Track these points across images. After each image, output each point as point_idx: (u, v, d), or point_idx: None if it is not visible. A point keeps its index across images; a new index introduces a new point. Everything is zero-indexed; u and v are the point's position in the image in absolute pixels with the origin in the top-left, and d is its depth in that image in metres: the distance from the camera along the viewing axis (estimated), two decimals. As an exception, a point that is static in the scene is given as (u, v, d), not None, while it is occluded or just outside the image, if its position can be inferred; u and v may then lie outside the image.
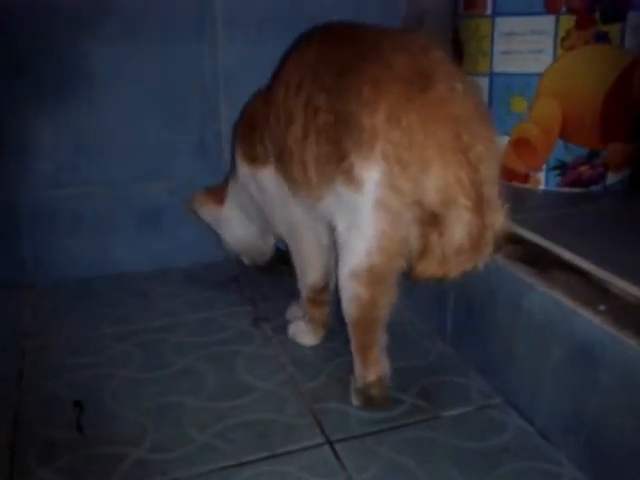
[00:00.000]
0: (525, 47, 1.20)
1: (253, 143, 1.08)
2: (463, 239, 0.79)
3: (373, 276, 0.87)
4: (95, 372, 1.06)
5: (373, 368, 0.94)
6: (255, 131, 1.08)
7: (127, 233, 1.42)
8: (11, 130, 1.29)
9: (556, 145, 1.24)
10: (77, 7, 1.26)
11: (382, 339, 0.94)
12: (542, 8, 1.17)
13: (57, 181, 1.34)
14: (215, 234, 1.35)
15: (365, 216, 0.84)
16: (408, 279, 0.88)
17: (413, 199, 0.81)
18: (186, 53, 1.34)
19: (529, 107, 1.23)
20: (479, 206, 0.79)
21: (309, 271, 1.10)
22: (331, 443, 0.89)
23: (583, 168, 1.25)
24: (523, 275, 0.92)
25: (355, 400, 0.96)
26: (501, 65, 1.24)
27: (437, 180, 0.79)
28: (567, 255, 0.94)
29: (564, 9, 1.16)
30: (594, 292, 0.85)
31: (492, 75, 1.26)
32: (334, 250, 0.97)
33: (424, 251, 0.82)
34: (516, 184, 1.28)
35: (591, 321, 0.80)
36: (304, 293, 1.12)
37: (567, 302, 0.84)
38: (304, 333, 1.14)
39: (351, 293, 0.90)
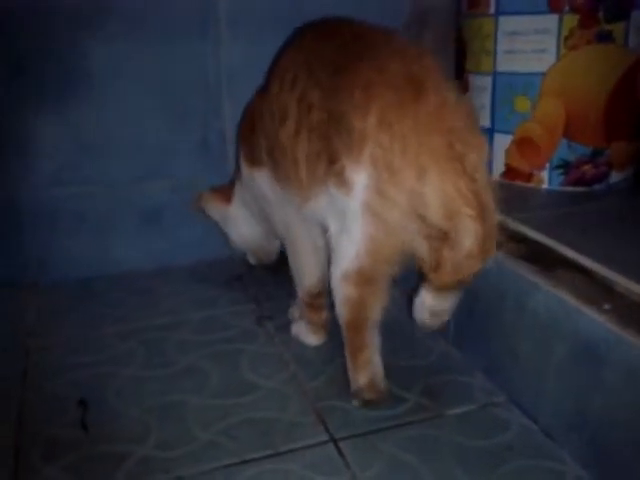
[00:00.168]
0: (528, 46, 1.20)
1: (253, 145, 1.08)
2: (472, 245, 0.79)
3: (362, 277, 0.87)
4: (98, 371, 1.06)
5: (364, 371, 0.94)
6: (254, 132, 1.07)
7: (128, 232, 1.42)
8: (12, 130, 1.29)
9: (559, 144, 1.24)
10: (77, 7, 1.26)
11: (374, 342, 0.94)
12: (545, 7, 1.17)
13: (58, 180, 1.35)
14: (218, 233, 1.35)
15: (354, 219, 0.85)
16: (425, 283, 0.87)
17: (412, 211, 0.81)
18: (188, 52, 1.34)
19: (532, 106, 1.23)
20: (481, 214, 0.78)
21: (305, 275, 1.10)
22: (335, 441, 0.89)
23: (586, 167, 1.25)
24: (527, 274, 0.92)
25: (354, 402, 0.96)
26: (504, 64, 1.24)
27: (437, 192, 0.79)
28: (571, 254, 0.94)
29: (567, 8, 1.16)
30: (598, 291, 0.85)
31: (495, 74, 1.26)
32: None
33: (437, 265, 0.82)
34: (519, 183, 1.28)
35: (595, 319, 0.80)
36: (301, 296, 1.12)
37: (571, 301, 0.84)
38: (306, 333, 1.14)
39: (342, 294, 0.90)
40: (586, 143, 1.24)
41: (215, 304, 1.28)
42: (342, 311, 0.92)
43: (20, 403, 0.98)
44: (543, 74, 1.20)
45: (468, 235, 0.79)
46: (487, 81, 1.27)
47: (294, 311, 1.20)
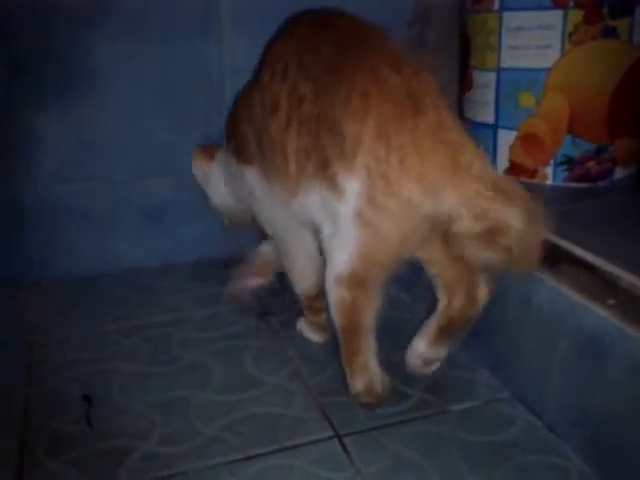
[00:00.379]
0: (533, 42, 1.19)
1: (242, 137, 1.06)
2: (522, 216, 0.78)
3: (354, 280, 0.86)
4: (102, 367, 1.06)
5: (360, 376, 0.93)
6: (244, 122, 1.05)
7: (131, 230, 1.41)
8: (13, 129, 1.29)
9: (564, 140, 1.23)
10: (78, 6, 1.26)
11: (369, 346, 0.92)
12: (550, 3, 1.17)
13: (60, 178, 1.34)
14: (221, 230, 1.35)
15: (346, 225, 0.84)
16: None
17: (418, 229, 0.82)
18: (190, 51, 1.34)
19: (537, 102, 1.22)
20: (508, 197, 0.78)
21: (300, 278, 1.10)
22: (339, 437, 0.89)
23: (591, 163, 1.25)
24: (531, 269, 0.91)
25: (353, 404, 0.96)
26: (509, 60, 1.24)
27: (457, 201, 0.78)
28: (575, 250, 0.94)
29: (572, 4, 1.16)
30: (602, 286, 0.85)
31: (500, 70, 1.25)
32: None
33: (507, 255, 0.81)
34: (523, 179, 1.28)
35: (599, 315, 0.80)
36: (300, 297, 1.12)
37: (575, 296, 0.84)
38: (310, 330, 1.14)
39: (335, 297, 0.89)
40: (590, 139, 1.23)
41: (218, 301, 1.28)
42: (336, 315, 0.91)
43: (24, 399, 0.98)
44: (547, 70, 1.20)
45: (511, 215, 0.78)
46: (491, 77, 1.27)
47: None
